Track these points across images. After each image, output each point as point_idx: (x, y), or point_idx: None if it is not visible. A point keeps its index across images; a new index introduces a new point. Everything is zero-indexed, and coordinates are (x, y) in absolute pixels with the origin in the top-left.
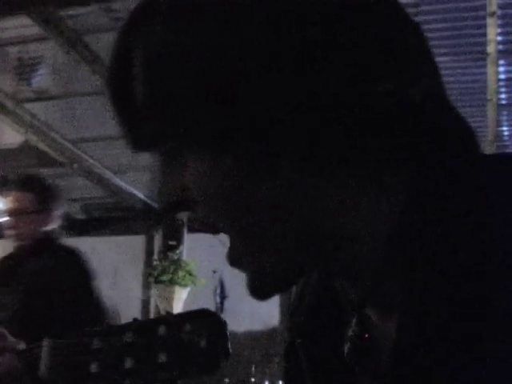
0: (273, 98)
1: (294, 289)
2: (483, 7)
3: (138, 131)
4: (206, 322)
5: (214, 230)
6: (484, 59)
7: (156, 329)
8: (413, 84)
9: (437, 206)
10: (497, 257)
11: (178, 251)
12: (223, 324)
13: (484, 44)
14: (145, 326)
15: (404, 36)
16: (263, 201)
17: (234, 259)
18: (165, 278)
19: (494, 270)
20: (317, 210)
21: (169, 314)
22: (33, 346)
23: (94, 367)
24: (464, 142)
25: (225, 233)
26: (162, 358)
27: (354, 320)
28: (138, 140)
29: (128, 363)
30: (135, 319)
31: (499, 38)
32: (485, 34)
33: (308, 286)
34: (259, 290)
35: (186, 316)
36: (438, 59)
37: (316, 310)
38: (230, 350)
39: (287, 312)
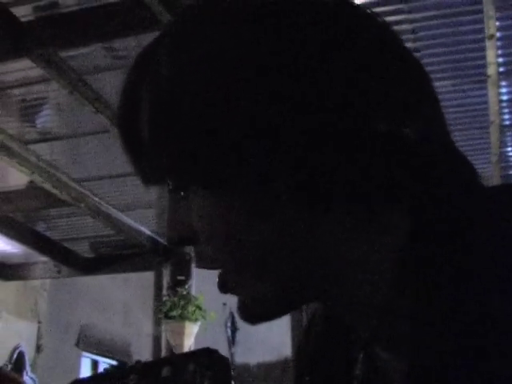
0: (274, 139)
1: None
2: (481, 30)
3: (146, 167)
4: (209, 361)
5: (211, 266)
6: (485, 81)
7: (160, 370)
8: (409, 123)
9: (438, 240)
10: (504, 286)
11: (186, 286)
12: (226, 363)
13: (484, 66)
14: (149, 368)
15: (400, 70)
16: (264, 237)
17: (227, 286)
18: (175, 313)
19: (502, 301)
20: (316, 245)
21: (173, 354)
22: None
23: None
24: (463, 177)
25: (222, 263)
26: None
27: (361, 357)
28: (146, 175)
29: None
30: (138, 361)
31: (499, 60)
32: (484, 57)
33: (315, 322)
34: (251, 315)
35: (190, 355)
36: (438, 83)
37: (323, 346)
38: None
39: (297, 347)
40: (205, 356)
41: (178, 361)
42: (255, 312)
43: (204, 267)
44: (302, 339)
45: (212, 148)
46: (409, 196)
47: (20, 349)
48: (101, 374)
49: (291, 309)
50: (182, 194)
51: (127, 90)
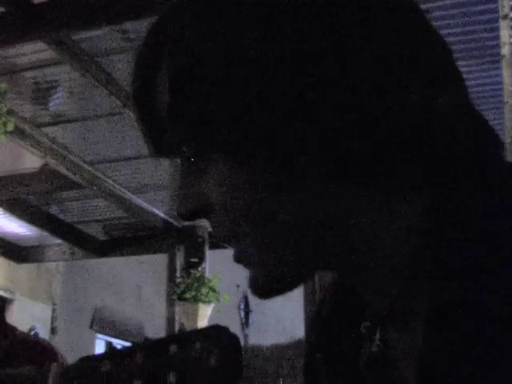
0: (298, 107)
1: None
2: (495, 10)
3: (162, 138)
4: (217, 338)
5: (228, 238)
6: (499, 61)
7: (167, 348)
8: (439, 94)
9: (459, 217)
10: None
11: (200, 268)
12: (235, 340)
13: (498, 47)
14: (156, 346)
15: (428, 44)
16: (284, 205)
17: (242, 257)
18: (188, 295)
19: None
20: (339, 220)
21: (181, 331)
22: (40, 370)
23: None
24: (489, 152)
25: (240, 236)
26: (172, 378)
27: (377, 335)
28: (161, 146)
29: None
30: (146, 339)
31: None
32: (498, 37)
33: (326, 300)
34: (263, 289)
35: (198, 333)
36: None
37: (335, 323)
38: (243, 368)
39: (309, 324)
40: (213, 333)
41: (186, 338)
42: (269, 286)
43: (220, 240)
44: (314, 316)
45: (238, 114)
46: (433, 170)
47: (35, 331)
48: (108, 352)
49: (304, 282)
50: (199, 164)
51: (143, 59)
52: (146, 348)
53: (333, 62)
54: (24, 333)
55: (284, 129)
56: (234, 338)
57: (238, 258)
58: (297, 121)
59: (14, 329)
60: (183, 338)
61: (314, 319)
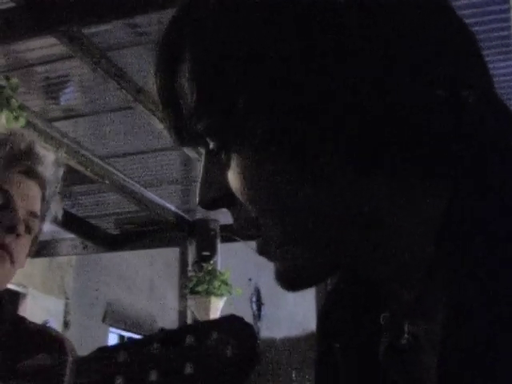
0: (323, 98)
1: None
2: (506, 1)
3: (186, 127)
4: (233, 328)
5: (250, 230)
6: (510, 53)
7: (183, 338)
8: (467, 85)
9: (484, 211)
10: None
11: (212, 261)
12: (251, 330)
13: (509, 37)
14: (172, 336)
15: (456, 35)
16: (308, 197)
17: (267, 249)
18: (200, 288)
19: None
20: (363, 212)
21: (197, 322)
22: (56, 362)
23: (118, 381)
24: None
25: (263, 227)
26: (189, 368)
27: (406, 328)
28: (185, 136)
29: (153, 376)
30: (162, 329)
31: None
32: (509, 28)
33: (344, 290)
34: (290, 282)
35: (214, 323)
36: None
37: (351, 314)
38: (259, 358)
39: (321, 314)
40: (229, 324)
41: (202, 329)
42: (294, 278)
43: (242, 232)
44: (327, 303)
45: (264, 103)
46: (458, 162)
47: (48, 324)
48: (125, 342)
49: (330, 275)
50: (223, 154)
51: (167, 47)
52: (163, 338)
53: (359, 54)
54: (34, 323)
55: (309, 119)
56: (250, 327)
57: (261, 250)
58: (321, 111)
59: (23, 319)
60: (199, 329)
61: (327, 309)
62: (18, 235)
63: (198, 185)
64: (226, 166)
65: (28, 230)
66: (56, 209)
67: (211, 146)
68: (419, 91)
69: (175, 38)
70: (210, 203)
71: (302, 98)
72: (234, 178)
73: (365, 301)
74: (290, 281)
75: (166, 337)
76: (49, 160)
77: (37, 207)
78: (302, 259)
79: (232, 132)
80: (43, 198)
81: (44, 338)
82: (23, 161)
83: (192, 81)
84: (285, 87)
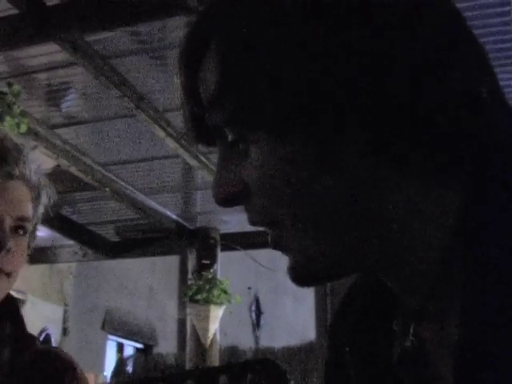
0: (342, 91)
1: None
2: (508, 13)
3: (204, 122)
4: (267, 371)
5: (265, 220)
6: (511, 65)
7: (217, 378)
8: (480, 81)
9: (495, 210)
10: None
11: (212, 270)
12: (283, 373)
13: (510, 50)
14: (206, 375)
15: (466, 33)
16: (325, 187)
17: (280, 241)
18: (200, 297)
19: None
20: (380, 206)
21: (230, 362)
22: None
23: None
24: None
25: (277, 221)
26: None
27: (411, 331)
28: (202, 131)
29: None
30: (197, 367)
31: None
32: (511, 40)
33: (355, 294)
34: (301, 277)
35: (246, 365)
36: None
37: (364, 319)
38: None
39: (335, 317)
40: (263, 366)
41: (235, 369)
42: (306, 271)
43: (256, 222)
44: (340, 308)
45: (284, 92)
46: (472, 159)
47: (47, 331)
48: (157, 377)
49: (343, 273)
50: (240, 145)
51: (195, 39)
52: (198, 376)
53: (373, 49)
54: (45, 345)
55: (332, 108)
56: (281, 369)
57: (275, 244)
58: (346, 100)
59: (34, 339)
60: (233, 369)
61: (340, 314)
62: (7, 250)
63: (213, 182)
64: (244, 158)
65: (23, 230)
66: (49, 195)
67: (229, 137)
68: (438, 88)
69: (204, 28)
70: (227, 200)
71: (326, 86)
72: (251, 168)
73: (378, 307)
74: (302, 274)
75: (200, 374)
76: (28, 157)
77: (27, 210)
78: (315, 251)
79: (253, 119)
80: (34, 198)
81: (54, 363)
82: (3, 165)
83: (218, 65)
84: (309, 74)
